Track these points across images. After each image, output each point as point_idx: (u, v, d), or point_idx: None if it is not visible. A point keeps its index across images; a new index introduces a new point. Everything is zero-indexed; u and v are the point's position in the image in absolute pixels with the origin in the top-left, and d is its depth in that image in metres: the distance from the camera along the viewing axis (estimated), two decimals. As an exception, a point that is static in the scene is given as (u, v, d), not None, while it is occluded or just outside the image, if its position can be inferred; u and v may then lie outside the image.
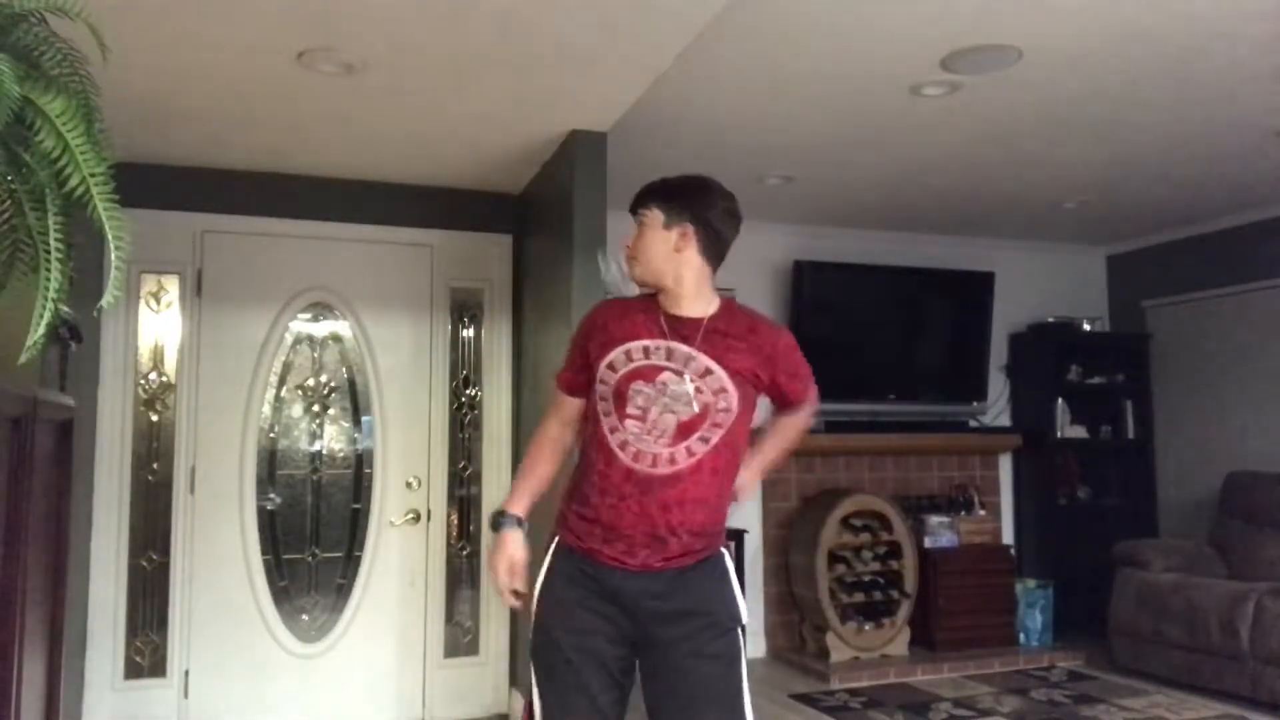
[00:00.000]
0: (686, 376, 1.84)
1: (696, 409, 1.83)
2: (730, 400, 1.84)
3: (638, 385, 1.85)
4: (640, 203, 1.94)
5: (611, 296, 2.13)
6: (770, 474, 1.95)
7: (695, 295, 1.90)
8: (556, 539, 1.96)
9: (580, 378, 1.98)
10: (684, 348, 1.86)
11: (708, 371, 1.84)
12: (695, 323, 1.88)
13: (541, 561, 1.98)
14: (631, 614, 1.84)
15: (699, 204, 1.91)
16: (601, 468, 1.88)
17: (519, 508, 2.01)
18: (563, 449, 2.07)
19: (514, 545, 1.97)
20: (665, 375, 1.85)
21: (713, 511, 1.88)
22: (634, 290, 2.02)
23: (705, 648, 1.83)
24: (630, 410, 1.85)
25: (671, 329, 1.88)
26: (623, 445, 1.85)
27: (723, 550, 1.95)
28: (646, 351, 1.87)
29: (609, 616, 1.85)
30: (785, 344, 1.94)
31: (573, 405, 2.03)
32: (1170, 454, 5.72)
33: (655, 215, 1.90)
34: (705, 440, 1.84)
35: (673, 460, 1.83)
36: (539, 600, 1.95)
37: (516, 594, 1.98)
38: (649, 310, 1.92)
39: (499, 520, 2.00)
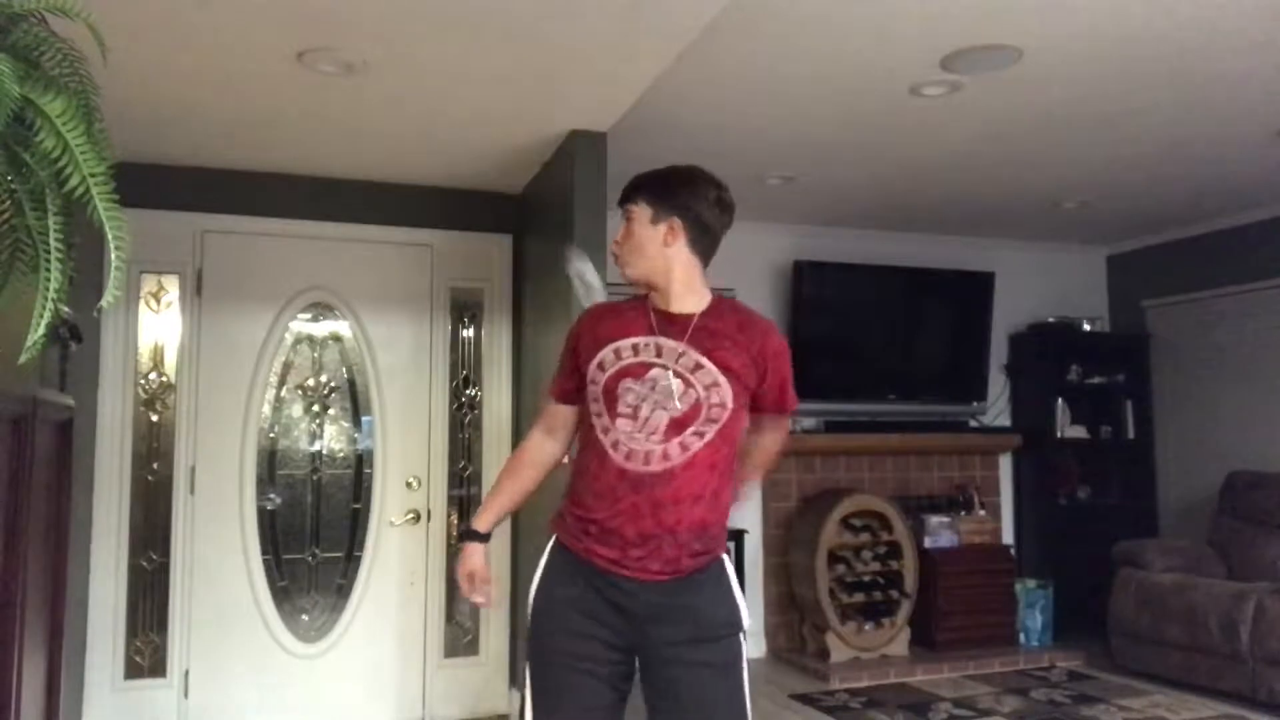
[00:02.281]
0: (676, 372, 1.81)
1: (688, 405, 1.79)
2: (724, 395, 1.80)
3: (627, 383, 1.81)
4: (627, 197, 1.90)
5: (592, 300, 2.04)
6: (757, 482, 1.93)
7: (686, 291, 1.87)
8: (555, 537, 1.93)
9: (570, 384, 1.94)
10: (673, 343, 1.82)
11: (698, 366, 1.81)
12: (685, 319, 1.85)
13: (539, 559, 1.95)
14: (629, 617, 1.81)
15: (686, 195, 1.87)
16: (595, 469, 1.84)
17: (482, 523, 2.01)
18: (543, 461, 2.03)
19: (473, 559, 1.99)
20: (654, 371, 1.81)
21: (710, 509, 1.82)
22: (598, 291, 2.00)
23: (703, 654, 1.79)
24: (621, 409, 1.81)
25: (660, 326, 1.85)
26: (615, 445, 1.81)
27: (723, 556, 1.90)
28: (635, 349, 1.83)
29: (605, 620, 1.81)
30: (776, 347, 1.89)
31: (561, 413, 1.99)
32: (1170, 454, 5.72)
33: (643, 210, 1.87)
34: (700, 435, 1.80)
35: (665, 456, 1.78)
36: (535, 598, 1.91)
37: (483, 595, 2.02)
38: (638, 309, 1.89)
39: (462, 534, 2.06)
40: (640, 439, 1.79)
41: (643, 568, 1.79)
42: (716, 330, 1.84)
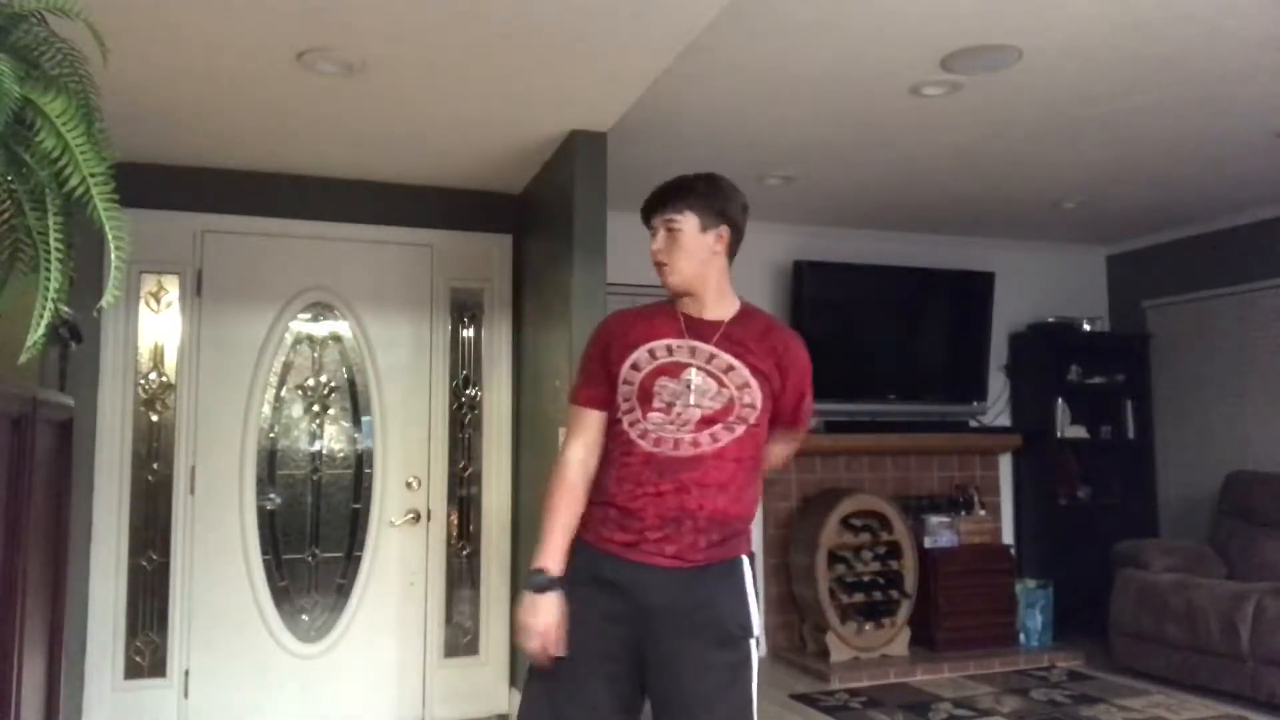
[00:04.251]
0: (710, 372, 1.86)
1: (721, 403, 1.84)
2: (754, 396, 1.86)
3: (663, 381, 1.86)
4: (669, 207, 1.92)
5: None
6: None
7: (719, 297, 1.94)
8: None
9: (603, 390, 1.93)
10: (705, 346, 1.88)
11: (730, 368, 1.87)
12: (715, 324, 1.91)
13: None
14: (642, 612, 1.80)
15: (727, 204, 1.94)
16: (619, 457, 1.87)
17: (556, 562, 1.86)
18: (590, 480, 1.93)
19: (551, 610, 1.81)
20: (689, 371, 1.86)
21: (734, 501, 1.85)
22: None
23: (710, 656, 1.79)
24: (655, 405, 1.85)
25: (690, 329, 1.91)
26: (643, 434, 1.85)
27: (743, 557, 1.89)
28: (669, 349, 1.89)
29: (618, 617, 1.81)
30: (798, 359, 1.95)
31: (597, 421, 1.94)
32: (1170, 454, 5.72)
33: (689, 219, 1.90)
34: (730, 430, 1.85)
35: (695, 444, 1.83)
36: None
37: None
38: (667, 313, 1.95)
39: (538, 580, 1.84)
40: (671, 429, 1.84)
41: (659, 551, 1.80)
42: (744, 336, 1.91)
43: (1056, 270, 6.00)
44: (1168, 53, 3.07)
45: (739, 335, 1.90)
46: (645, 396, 1.86)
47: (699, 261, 1.91)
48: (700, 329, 1.90)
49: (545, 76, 2.98)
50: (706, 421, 1.83)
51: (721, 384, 1.85)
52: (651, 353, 1.88)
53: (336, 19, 2.57)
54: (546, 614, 1.82)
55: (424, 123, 3.43)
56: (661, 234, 1.92)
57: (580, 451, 1.94)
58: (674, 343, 1.89)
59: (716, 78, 3.25)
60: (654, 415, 1.84)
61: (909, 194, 4.78)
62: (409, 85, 3.06)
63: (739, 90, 3.37)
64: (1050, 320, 5.77)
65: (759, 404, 1.87)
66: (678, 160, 4.18)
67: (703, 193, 1.92)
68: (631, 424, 1.87)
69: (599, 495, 1.89)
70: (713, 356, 1.87)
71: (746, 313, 1.96)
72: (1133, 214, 5.26)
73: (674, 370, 1.86)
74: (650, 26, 2.62)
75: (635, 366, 1.88)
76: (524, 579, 1.95)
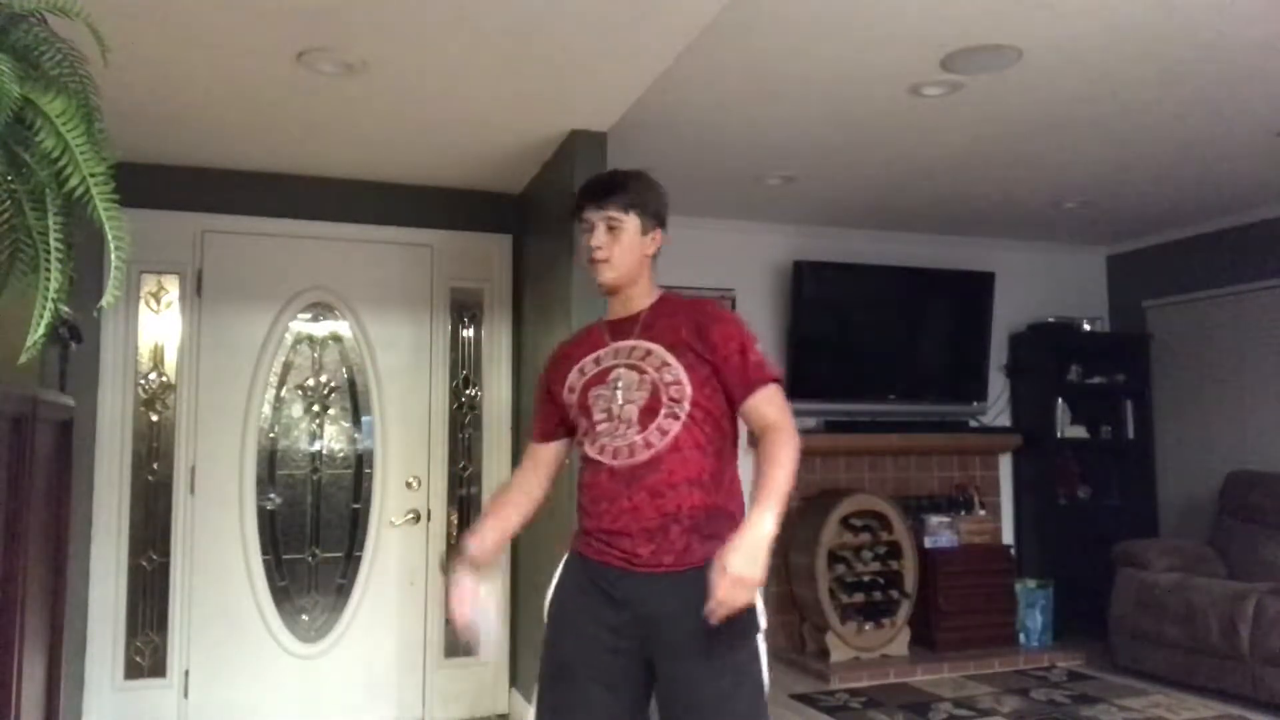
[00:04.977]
0: (630, 365, 1.89)
1: (647, 391, 1.85)
2: (677, 373, 1.85)
3: (595, 391, 1.91)
4: (611, 204, 1.92)
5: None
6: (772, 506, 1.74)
7: (646, 293, 1.98)
8: (569, 551, 1.97)
9: (549, 422, 2.04)
10: (625, 343, 1.93)
11: (647, 353, 1.89)
12: (634, 317, 1.96)
13: (554, 570, 1.98)
14: (641, 620, 1.80)
15: (661, 207, 1.99)
16: (589, 478, 1.91)
17: (472, 538, 1.97)
18: (526, 489, 2.07)
19: (455, 583, 1.93)
20: (614, 372, 1.90)
21: (711, 493, 1.83)
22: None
23: (718, 659, 1.76)
24: (597, 415, 1.89)
25: (613, 333, 1.96)
26: (601, 450, 1.88)
27: None
28: (597, 361, 1.94)
29: (617, 628, 1.82)
30: (714, 311, 1.94)
31: (541, 454, 2.07)
32: (1170, 454, 5.72)
33: (633, 220, 1.93)
34: (674, 417, 1.84)
35: (648, 444, 1.83)
36: (549, 609, 1.94)
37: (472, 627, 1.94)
38: (595, 329, 2.02)
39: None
40: (621, 433, 1.86)
41: (657, 561, 1.81)
42: (659, 315, 1.95)
43: (1056, 270, 6.00)
44: (1167, 53, 3.07)
45: (655, 318, 1.93)
46: (586, 411, 1.91)
47: (635, 260, 1.95)
48: (622, 329, 1.95)
49: (545, 76, 2.98)
50: (647, 414, 1.84)
51: (641, 371, 1.87)
52: (581, 370, 1.95)
53: (336, 19, 2.58)
54: (451, 588, 1.94)
55: (424, 123, 3.43)
56: (601, 230, 1.92)
57: (523, 474, 2.08)
58: (601, 353, 1.94)
59: (716, 78, 3.25)
60: (601, 426, 1.88)
61: (909, 194, 4.78)
62: (409, 85, 3.06)
63: (739, 90, 3.37)
64: (1050, 320, 5.77)
65: (684, 379, 1.84)
66: (678, 160, 4.19)
67: (643, 195, 1.96)
68: (591, 442, 1.91)
69: (587, 516, 1.92)
70: (632, 349, 1.91)
71: (667, 299, 1.99)
72: (1133, 214, 5.26)
73: (602, 377, 1.91)
74: (650, 27, 2.62)
75: (571, 389, 1.95)
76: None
